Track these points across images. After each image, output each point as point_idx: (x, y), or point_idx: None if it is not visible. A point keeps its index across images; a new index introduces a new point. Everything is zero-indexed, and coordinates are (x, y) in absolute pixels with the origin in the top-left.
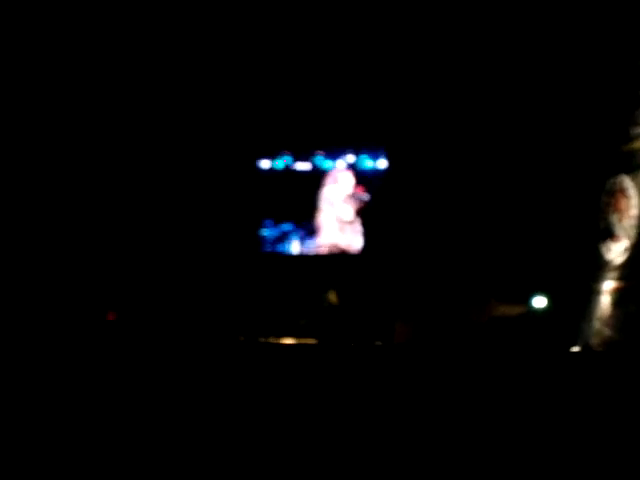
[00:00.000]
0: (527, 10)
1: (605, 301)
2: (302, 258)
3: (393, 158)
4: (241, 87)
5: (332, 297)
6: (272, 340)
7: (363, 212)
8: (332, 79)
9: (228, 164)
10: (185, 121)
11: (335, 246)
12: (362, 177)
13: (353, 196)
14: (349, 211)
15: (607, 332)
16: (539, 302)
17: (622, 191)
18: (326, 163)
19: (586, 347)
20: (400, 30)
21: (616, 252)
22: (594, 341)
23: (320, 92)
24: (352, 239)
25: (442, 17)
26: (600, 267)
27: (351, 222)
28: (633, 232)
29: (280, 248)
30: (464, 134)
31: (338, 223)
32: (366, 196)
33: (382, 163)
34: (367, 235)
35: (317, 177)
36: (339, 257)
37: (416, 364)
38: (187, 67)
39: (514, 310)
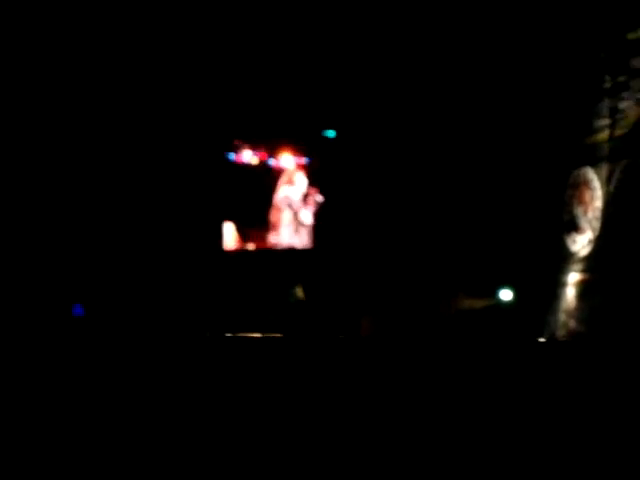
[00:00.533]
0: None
1: (570, 293)
2: (269, 253)
3: (347, 149)
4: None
5: (299, 292)
6: (239, 335)
7: (321, 212)
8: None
9: (191, 158)
10: (137, 117)
11: (291, 247)
12: (315, 175)
13: (309, 197)
14: (308, 215)
15: (572, 324)
16: (505, 295)
17: (586, 183)
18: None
19: (552, 338)
20: (339, 31)
21: (581, 244)
22: (559, 333)
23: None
24: (307, 240)
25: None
26: (565, 259)
27: (305, 224)
28: (597, 224)
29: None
30: (425, 126)
31: (294, 225)
32: (321, 197)
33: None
34: (328, 231)
35: (263, 173)
36: (305, 253)
37: (382, 357)
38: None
39: (481, 303)
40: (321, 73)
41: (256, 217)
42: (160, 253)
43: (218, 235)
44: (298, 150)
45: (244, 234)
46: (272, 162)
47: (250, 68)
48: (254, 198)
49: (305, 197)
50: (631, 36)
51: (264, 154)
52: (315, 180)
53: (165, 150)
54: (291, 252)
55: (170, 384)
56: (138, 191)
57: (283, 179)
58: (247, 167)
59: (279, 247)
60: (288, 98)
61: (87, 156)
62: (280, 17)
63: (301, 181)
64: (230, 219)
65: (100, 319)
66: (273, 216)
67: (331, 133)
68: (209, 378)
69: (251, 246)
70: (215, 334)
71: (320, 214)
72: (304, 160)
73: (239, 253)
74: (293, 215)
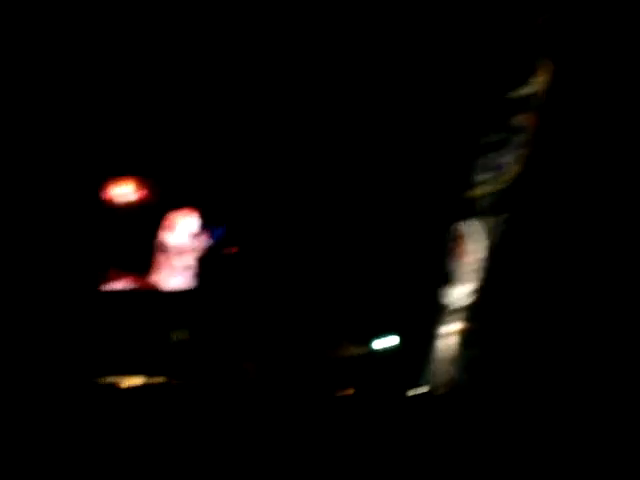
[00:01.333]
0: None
1: (449, 343)
2: (150, 293)
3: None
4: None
5: (181, 334)
6: (119, 380)
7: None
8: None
9: (64, 193)
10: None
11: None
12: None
13: (193, 243)
14: (186, 261)
15: (451, 374)
16: (385, 343)
17: (467, 236)
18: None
19: (431, 389)
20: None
21: (461, 295)
22: (438, 383)
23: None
24: (183, 285)
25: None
26: (444, 310)
27: (188, 268)
28: (475, 276)
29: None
30: (302, 170)
31: (171, 270)
32: (209, 241)
33: None
34: (209, 273)
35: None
36: (188, 294)
37: (265, 402)
38: None
39: (360, 350)
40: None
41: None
42: (32, 293)
43: (91, 273)
44: (138, 182)
45: (124, 274)
46: (106, 193)
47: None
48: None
49: (191, 240)
50: (512, 94)
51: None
52: (206, 222)
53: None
54: (174, 293)
55: (44, 431)
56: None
57: (164, 223)
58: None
59: (157, 289)
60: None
61: None
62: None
63: (184, 226)
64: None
65: None
66: (154, 258)
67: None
68: (87, 423)
69: (130, 286)
70: (94, 379)
71: (204, 258)
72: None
73: (116, 293)
74: (172, 259)
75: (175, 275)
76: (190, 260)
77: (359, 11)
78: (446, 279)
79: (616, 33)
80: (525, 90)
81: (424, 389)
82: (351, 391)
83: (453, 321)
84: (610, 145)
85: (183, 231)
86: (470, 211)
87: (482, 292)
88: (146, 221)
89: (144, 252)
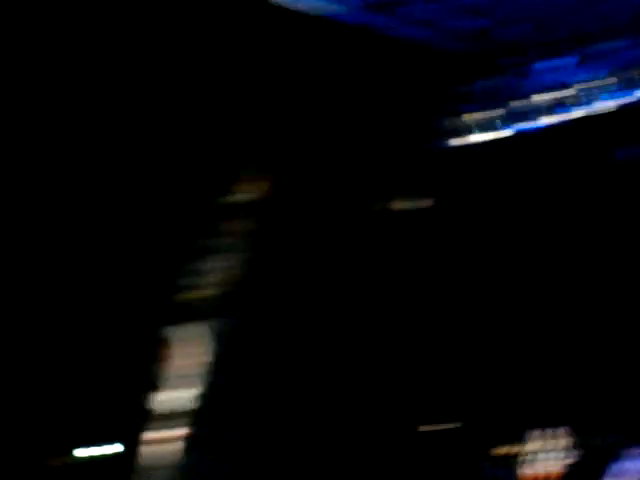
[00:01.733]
0: None
1: (168, 450)
2: None
3: None
4: None
5: None
6: None
7: None
8: None
9: None
10: None
11: None
12: None
13: None
14: None
15: None
16: (95, 451)
17: (172, 341)
18: None
19: None
20: None
21: (171, 401)
22: None
23: None
24: None
25: None
26: (162, 415)
27: None
28: (192, 380)
29: None
30: None
31: None
32: None
33: None
34: None
35: None
36: None
37: None
38: None
39: (66, 459)
40: None
41: None
42: None
43: None
44: None
45: None
46: None
47: None
48: None
49: None
50: (226, 200)
51: None
52: None
53: None
54: None
55: None
56: None
57: None
58: None
59: None
60: None
61: None
62: None
63: None
64: None
65: None
66: None
67: None
68: None
69: None
70: None
71: None
72: None
73: None
74: None
75: None
76: None
77: None
78: (158, 384)
79: (331, 145)
80: (238, 197)
81: None
82: None
83: (169, 427)
84: (327, 250)
85: None
86: (182, 315)
87: (201, 397)
88: None
89: None
